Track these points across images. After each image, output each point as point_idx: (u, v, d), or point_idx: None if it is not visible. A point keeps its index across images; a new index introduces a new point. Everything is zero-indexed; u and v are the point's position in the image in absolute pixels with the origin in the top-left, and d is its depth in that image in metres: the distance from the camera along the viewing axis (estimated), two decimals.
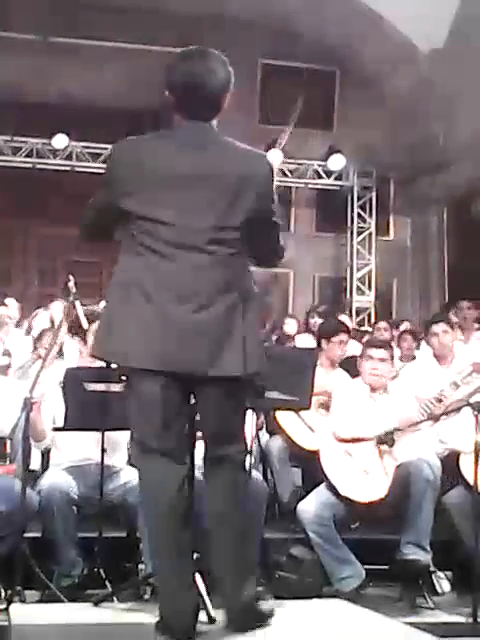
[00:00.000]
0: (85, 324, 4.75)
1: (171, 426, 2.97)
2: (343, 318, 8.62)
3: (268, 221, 3.06)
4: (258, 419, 4.97)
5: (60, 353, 5.82)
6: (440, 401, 4.83)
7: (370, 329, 10.06)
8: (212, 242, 2.93)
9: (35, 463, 4.81)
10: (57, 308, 8.05)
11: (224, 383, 2.96)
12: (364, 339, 7.76)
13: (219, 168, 2.95)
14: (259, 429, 5.24)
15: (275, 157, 11.80)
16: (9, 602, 3.79)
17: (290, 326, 8.47)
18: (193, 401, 3.07)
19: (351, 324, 8.85)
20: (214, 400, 3.00)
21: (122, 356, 2.96)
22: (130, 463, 4.64)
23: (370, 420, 4.70)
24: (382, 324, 8.72)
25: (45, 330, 6.83)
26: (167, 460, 2.96)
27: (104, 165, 11.52)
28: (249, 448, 4.12)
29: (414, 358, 6.96)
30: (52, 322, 7.35)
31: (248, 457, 3.22)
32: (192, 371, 2.92)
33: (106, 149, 11.79)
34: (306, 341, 7.08)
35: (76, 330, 4.94)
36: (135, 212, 2.94)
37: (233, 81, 3.02)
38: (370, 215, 13.06)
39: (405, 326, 8.64)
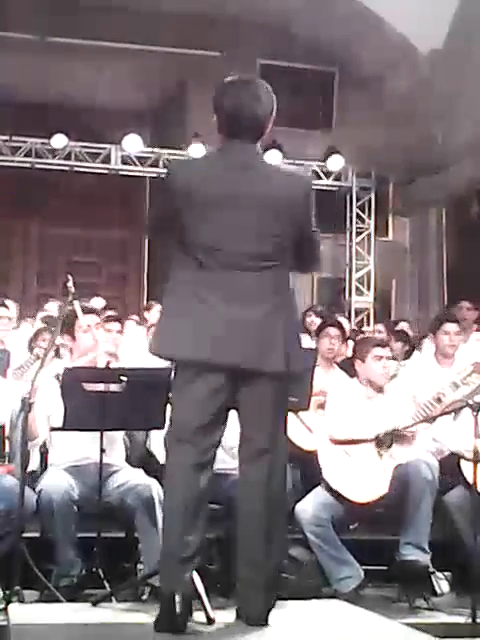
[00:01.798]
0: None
1: (210, 425, 3.14)
2: (340, 320, 8.61)
3: (307, 237, 3.28)
4: None
5: (57, 353, 5.82)
6: (439, 401, 4.82)
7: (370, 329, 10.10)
8: (254, 258, 3.15)
9: (34, 463, 4.81)
10: (53, 308, 8.05)
11: (268, 382, 3.15)
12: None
13: (262, 190, 3.17)
14: None
15: (274, 157, 11.81)
16: (8, 602, 3.77)
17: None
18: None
19: (348, 325, 8.82)
20: (257, 399, 3.17)
21: (175, 350, 3.15)
22: (128, 463, 4.65)
23: (366, 421, 4.69)
24: (379, 326, 8.73)
25: (40, 330, 6.83)
26: (192, 449, 3.12)
27: (103, 165, 11.49)
28: None
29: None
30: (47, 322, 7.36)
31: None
32: (239, 363, 3.09)
33: (105, 149, 11.81)
34: (305, 342, 7.08)
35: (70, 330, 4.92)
36: (185, 230, 3.16)
37: (275, 107, 3.29)
38: (369, 216, 13.06)
39: (402, 326, 8.63)
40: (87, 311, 4.79)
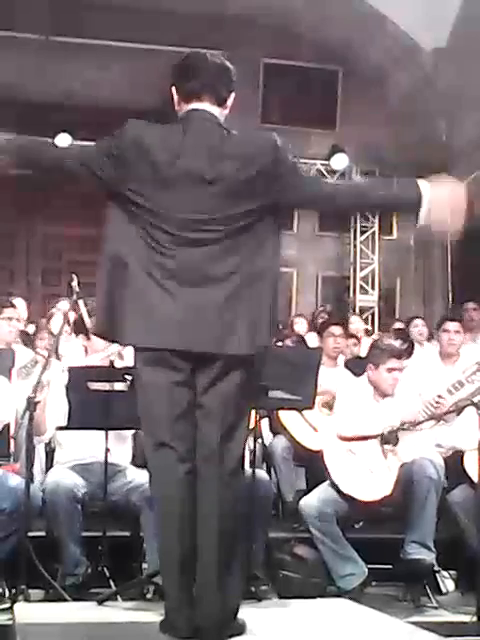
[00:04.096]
0: (89, 323, 4.75)
1: (179, 420, 2.96)
2: (353, 319, 8.63)
3: (294, 179, 3.03)
4: (260, 418, 4.96)
5: (56, 355, 5.82)
6: (438, 406, 4.82)
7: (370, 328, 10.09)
8: (219, 226, 2.94)
9: (40, 462, 4.82)
10: (65, 307, 8.05)
11: (231, 371, 2.94)
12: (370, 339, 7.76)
13: (227, 154, 2.97)
14: (260, 419, 5.20)
15: None
16: (13, 601, 3.79)
17: (300, 325, 8.44)
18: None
19: (362, 324, 8.80)
20: (219, 389, 2.96)
21: (126, 335, 2.96)
22: (134, 463, 4.65)
23: (374, 420, 4.69)
24: (398, 325, 8.74)
25: (40, 329, 6.86)
26: (174, 452, 2.94)
27: None
28: (251, 447, 4.15)
29: None
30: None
31: (247, 454, 3.19)
32: (197, 349, 2.90)
33: None
34: (314, 341, 7.11)
35: (80, 329, 4.95)
36: (138, 193, 2.95)
37: (235, 79, 3.12)
38: (373, 214, 13.03)
39: (417, 324, 8.60)
40: None
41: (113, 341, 3.22)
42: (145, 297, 2.92)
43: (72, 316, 5.27)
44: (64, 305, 8.07)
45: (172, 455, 2.95)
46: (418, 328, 8.11)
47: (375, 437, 4.63)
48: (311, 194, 3.10)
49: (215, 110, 3.08)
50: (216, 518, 2.93)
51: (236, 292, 2.94)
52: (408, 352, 7.19)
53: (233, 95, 3.13)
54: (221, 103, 3.10)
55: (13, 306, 6.68)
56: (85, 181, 3.08)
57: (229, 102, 3.12)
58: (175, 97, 3.14)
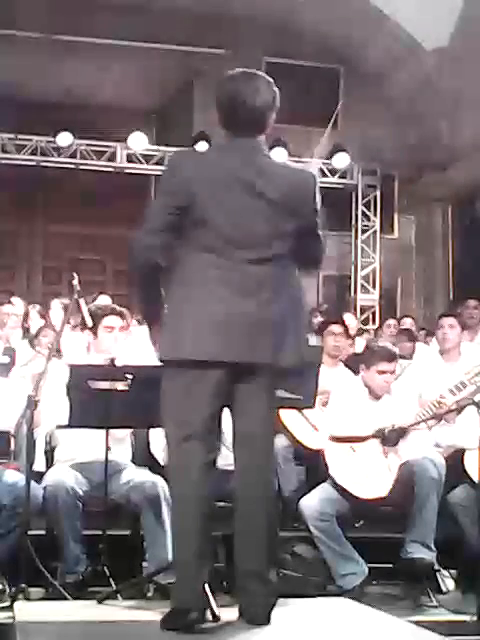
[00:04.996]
0: (89, 322, 4.75)
1: (213, 422, 3.14)
2: (347, 317, 8.63)
3: (312, 233, 3.26)
4: None
5: (58, 351, 5.82)
6: (440, 406, 4.82)
7: (374, 327, 10.08)
8: (266, 246, 3.13)
9: (40, 462, 4.82)
10: (56, 306, 8.09)
11: (267, 375, 3.15)
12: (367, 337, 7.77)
13: (266, 182, 3.13)
14: None
15: (279, 155, 11.82)
16: (13, 599, 3.79)
17: None
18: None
19: (355, 322, 8.82)
20: (256, 392, 3.17)
21: (187, 350, 3.07)
22: (134, 462, 4.65)
23: (369, 419, 4.68)
24: (391, 322, 8.74)
25: (43, 327, 6.88)
26: (201, 445, 3.09)
27: (108, 163, 11.49)
28: None
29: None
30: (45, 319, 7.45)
31: None
32: (256, 360, 3.08)
33: (110, 147, 11.81)
34: (311, 341, 7.10)
35: (82, 328, 4.95)
36: (195, 216, 3.08)
37: (278, 101, 3.29)
38: (374, 213, 13.04)
39: (405, 323, 8.64)
40: (115, 312, 4.80)
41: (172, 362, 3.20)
42: (202, 310, 3.06)
43: (73, 316, 5.27)
44: (56, 305, 8.12)
45: (197, 444, 3.07)
46: (405, 326, 8.14)
47: (366, 439, 4.62)
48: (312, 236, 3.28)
49: (260, 139, 3.23)
50: (263, 500, 3.15)
51: (289, 307, 3.16)
52: (409, 353, 7.19)
53: (274, 114, 3.28)
54: (262, 130, 3.25)
55: (10, 303, 6.71)
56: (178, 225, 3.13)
57: (271, 123, 3.28)
58: (219, 120, 3.24)
